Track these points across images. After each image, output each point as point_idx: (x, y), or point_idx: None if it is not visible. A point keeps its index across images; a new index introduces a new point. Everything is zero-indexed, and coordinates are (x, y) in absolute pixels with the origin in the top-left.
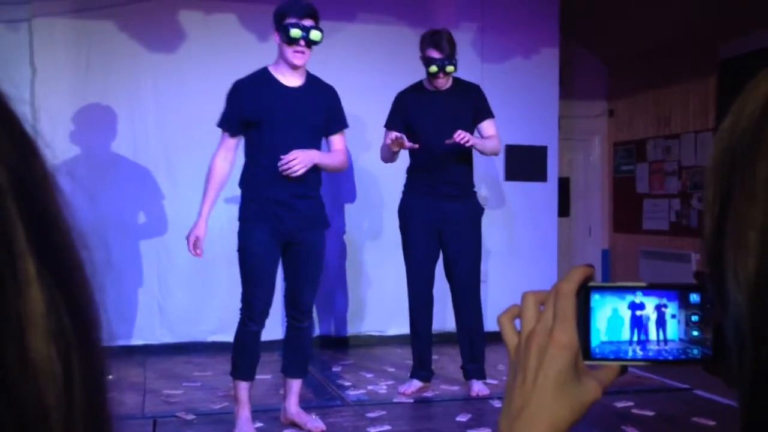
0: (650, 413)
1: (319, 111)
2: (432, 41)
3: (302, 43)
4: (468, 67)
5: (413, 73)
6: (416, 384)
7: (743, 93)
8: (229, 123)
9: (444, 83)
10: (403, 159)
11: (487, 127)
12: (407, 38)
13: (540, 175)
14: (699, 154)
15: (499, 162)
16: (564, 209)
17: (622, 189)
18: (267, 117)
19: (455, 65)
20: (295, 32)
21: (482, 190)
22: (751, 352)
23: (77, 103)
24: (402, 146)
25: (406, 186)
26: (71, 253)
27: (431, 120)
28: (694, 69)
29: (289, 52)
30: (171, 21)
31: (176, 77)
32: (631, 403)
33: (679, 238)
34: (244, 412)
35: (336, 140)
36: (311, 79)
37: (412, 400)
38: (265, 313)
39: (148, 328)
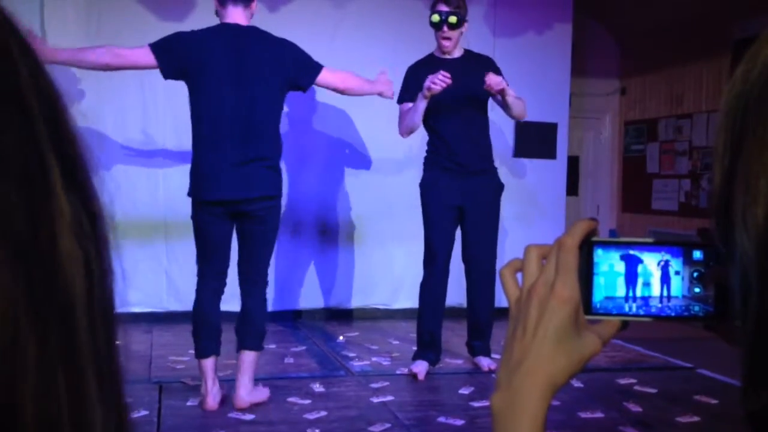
0: (653, 390)
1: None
2: None
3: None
4: (480, 42)
5: (422, 44)
6: (425, 366)
7: (757, 41)
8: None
9: (451, 45)
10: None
11: None
12: (416, 9)
13: (549, 153)
14: (711, 135)
15: (509, 138)
16: (572, 188)
17: (631, 168)
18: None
19: (460, 20)
20: None
21: None
22: (756, 300)
23: (87, 71)
24: (434, 90)
25: (426, 161)
26: (85, 170)
27: (446, 89)
28: (707, 49)
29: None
30: None
31: None
32: (633, 380)
33: (688, 219)
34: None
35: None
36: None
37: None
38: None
39: (155, 296)
